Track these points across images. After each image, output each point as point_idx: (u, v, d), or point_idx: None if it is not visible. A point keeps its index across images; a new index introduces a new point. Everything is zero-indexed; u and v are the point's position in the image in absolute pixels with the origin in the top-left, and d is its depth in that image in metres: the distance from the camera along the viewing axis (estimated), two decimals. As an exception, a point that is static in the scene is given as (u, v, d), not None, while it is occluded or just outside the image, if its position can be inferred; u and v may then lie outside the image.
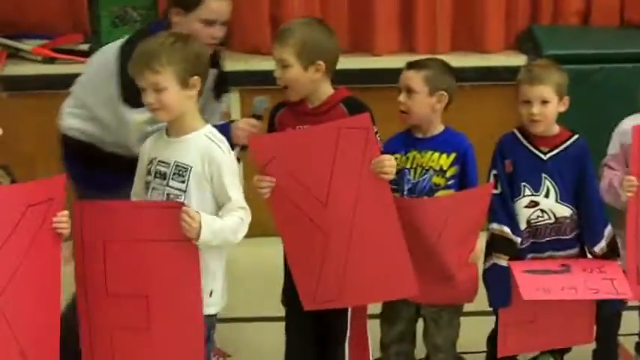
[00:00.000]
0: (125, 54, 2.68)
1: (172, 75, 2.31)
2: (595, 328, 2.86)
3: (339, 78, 3.83)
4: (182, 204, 2.27)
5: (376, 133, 2.58)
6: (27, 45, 4.15)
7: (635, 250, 2.69)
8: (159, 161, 2.39)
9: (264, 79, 3.27)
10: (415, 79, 2.63)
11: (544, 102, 2.66)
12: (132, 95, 2.55)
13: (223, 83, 3.13)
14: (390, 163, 2.46)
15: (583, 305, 2.74)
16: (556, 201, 2.70)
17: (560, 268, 2.69)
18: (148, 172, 2.41)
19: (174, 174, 2.37)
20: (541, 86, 2.67)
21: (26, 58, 4.15)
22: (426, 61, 2.70)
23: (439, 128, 2.69)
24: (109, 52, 2.89)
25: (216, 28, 2.84)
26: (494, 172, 2.73)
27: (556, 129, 2.74)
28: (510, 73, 4.08)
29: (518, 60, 4.16)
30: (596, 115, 3.57)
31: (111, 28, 4.26)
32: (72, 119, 3.00)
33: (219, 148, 2.38)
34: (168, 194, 2.37)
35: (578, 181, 2.71)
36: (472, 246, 2.62)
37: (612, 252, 2.73)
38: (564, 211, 2.72)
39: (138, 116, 2.69)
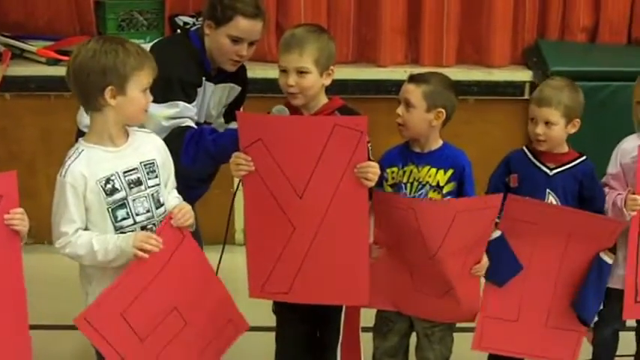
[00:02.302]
0: (159, 54, 2.67)
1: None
2: (591, 349, 2.84)
3: (343, 88, 3.86)
4: (169, 216, 2.40)
5: (368, 142, 2.56)
6: (32, 46, 4.15)
7: (635, 269, 2.68)
8: (123, 172, 2.36)
9: (268, 86, 3.26)
10: (414, 93, 2.61)
11: (549, 123, 2.67)
12: (159, 91, 2.58)
13: (240, 103, 3.13)
14: (374, 170, 2.45)
15: (573, 320, 2.71)
16: None
17: None
18: (112, 192, 2.33)
19: (147, 173, 2.40)
20: (546, 108, 2.67)
21: (31, 59, 4.15)
22: (428, 76, 2.67)
23: (437, 143, 2.66)
24: None
25: (243, 47, 2.88)
26: (491, 178, 2.77)
27: (565, 147, 2.75)
28: (515, 88, 4.15)
29: (523, 75, 4.17)
30: (603, 133, 3.54)
31: (117, 31, 4.26)
32: None
33: (158, 137, 2.52)
34: (152, 195, 2.41)
35: (581, 200, 2.71)
36: (477, 258, 2.59)
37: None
38: None
39: (161, 110, 2.73)
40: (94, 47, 2.31)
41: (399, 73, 3.88)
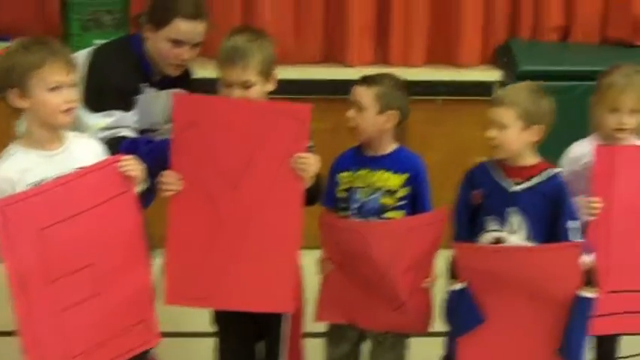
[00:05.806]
0: (95, 61, 2.73)
1: None
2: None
3: (311, 88, 3.80)
4: (117, 159, 2.29)
5: (311, 146, 2.48)
6: (-7, 47, 4.07)
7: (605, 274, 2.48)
8: (55, 178, 2.24)
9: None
10: (365, 95, 2.54)
11: (502, 126, 2.44)
12: (93, 100, 2.62)
13: None
14: (312, 162, 2.37)
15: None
16: (527, 239, 2.46)
17: None
18: None
19: None
20: (498, 108, 2.46)
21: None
22: (379, 77, 2.60)
23: (391, 147, 2.60)
24: (80, 57, 2.85)
25: (185, 49, 2.79)
26: (458, 193, 2.57)
27: (532, 160, 2.50)
28: (484, 88, 4.10)
29: (492, 75, 4.14)
30: (573, 134, 3.53)
31: (82, 31, 4.21)
32: None
33: (97, 143, 2.43)
34: None
35: (551, 220, 2.44)
36: (427, 272, 2.54)
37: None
38: None
39: (96, 120, 2.69)
40: (9, 48, 2.25)
41: (368, 72, 3.82)
